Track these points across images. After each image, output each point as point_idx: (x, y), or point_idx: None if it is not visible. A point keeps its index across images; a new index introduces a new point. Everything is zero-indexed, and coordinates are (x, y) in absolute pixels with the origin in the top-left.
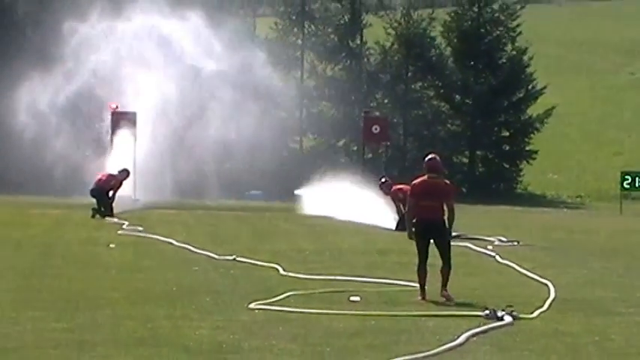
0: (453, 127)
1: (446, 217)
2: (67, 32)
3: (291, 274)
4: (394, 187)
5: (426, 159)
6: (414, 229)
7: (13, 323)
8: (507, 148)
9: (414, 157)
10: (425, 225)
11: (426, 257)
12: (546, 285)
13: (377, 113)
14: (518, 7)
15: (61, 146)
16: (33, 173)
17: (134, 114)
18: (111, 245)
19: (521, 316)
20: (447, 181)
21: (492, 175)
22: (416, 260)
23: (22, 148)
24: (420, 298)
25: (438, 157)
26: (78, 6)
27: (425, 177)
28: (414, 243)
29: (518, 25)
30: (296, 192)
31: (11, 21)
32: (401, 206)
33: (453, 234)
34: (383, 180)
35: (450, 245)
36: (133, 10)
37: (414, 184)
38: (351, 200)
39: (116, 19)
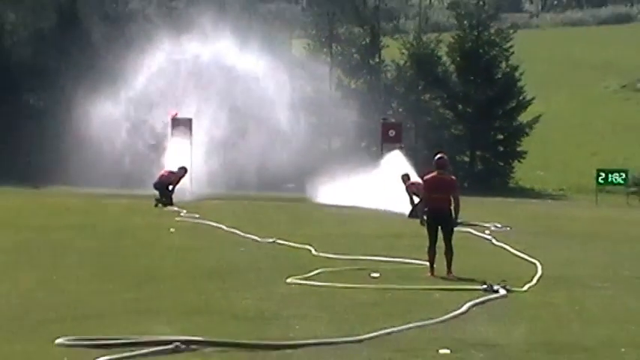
0: (456, 131)
1: (452, 208)
2: (136, 53)
3: (321, 254)
4: (409, 182)
5: (436, 157)
6: (425, 217)
7: (92, 294)
8: (502, 149)
9: (424, 156)
10: (435, 213)
11: (435, 240)
12: (534, 264)
13: (392, 120)
14: (511, 31)
15: (129, 147)
16: (106, 169)
17: (190, 120)
18: (171, 229)
19: (514, 289)
20: (453, 177)
21: (489, 171)
22: (426, 243)
23: (99, 149)
24: (429, 274)
25: (445, 156)
26: (145, 31)
27: (435, 173)
28: (424, 228)
29: (510, 47)
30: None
31: (88, 42)
32: (413, 197)
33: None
34: (404, 174)
35: (452, 232)
36: (192, 35)
37: (426, 179)
38: (370, 192)
39: (176, 42)
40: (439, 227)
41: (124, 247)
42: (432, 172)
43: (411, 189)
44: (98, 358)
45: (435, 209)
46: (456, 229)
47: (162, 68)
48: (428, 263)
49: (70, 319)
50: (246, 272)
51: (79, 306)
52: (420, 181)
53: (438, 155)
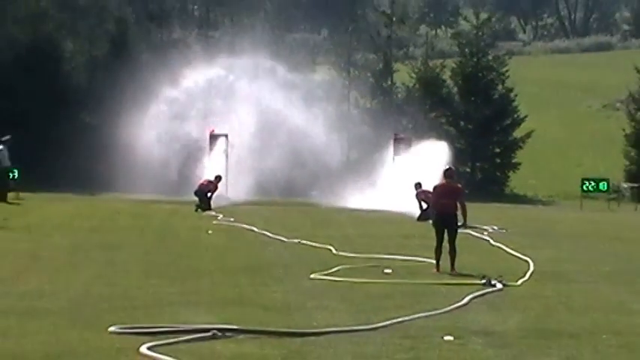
0: (459, 145)
1: (459, 212)
2: (177, 75)
3: (341, 252)
4: (420, 190)
5: (445, 168)
6: (434, 219)
7: (139, 288)
8: (498, 160)
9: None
10: (442, 217)
11: (442, 240)
12: (527, 261)
13: (402, 135)
14: (506, 57)
15: (172, 158)
16: (152, 178)
17: (226, 135)
18: (209, 231)
19: (509, 283)
20: (459, 185)
21: (488, 180)
22: (433, 243)
23: (146, 160)
24: (435, 270)
25: (453, 167)
26: (185, 56)
27: (444, 181)
28: (433, 229)
29: (506, 71)
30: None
31: (136, 67)
32: (422, 204)
33: (459, 224)
34: (417, 182)
35: (457, 233)
36: (227, 59)
37: (436, 186)
38: (384, 198)
39: (213, 65)
40: (446, 229)
41: (168, 247)
42: (441, 181)
43: (421, 196)
44: (145, 343)
45: (442, 213)
46: (459, 230)
47: (201, 88)
48: (435, 260)
49: (121, 309)
50: (274, 269)
51: (129, 298)
52: (429, 189)
53: (447, 166)
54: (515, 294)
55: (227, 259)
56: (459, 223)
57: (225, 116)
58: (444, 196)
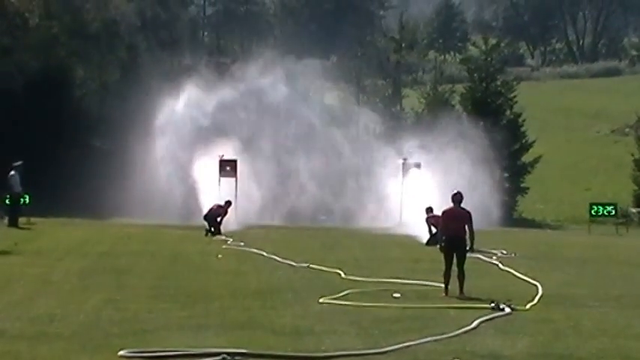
0: (468, 169)
1: (467, 236)
2: (186, 102)
3: (349, 277)
4: (430, 214)
5: (453, 193)
6: (443, 244)
7: (149, 312)
8: (507, 185)
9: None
10: (451, 241)
11: (451, 264)
12: (536, 285)
13: (411, 160)
14: (515, 83)
15: (181, 184)
16: (162, 203)
17: (235, 161)
18: (219, 256)
19: (518, 307)
20: (468, 210)
21: (497, 205)
22: (442, 267)
23: (156, 185)
24: (444, 294)
25: (460, 192)
26: (196, 83)
27: (452, 206)
28: (441, 254)
29: (514, 96)
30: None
31: (146, 93)
32: (432, 228)
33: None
34: (428, 207)
35: (465, 257)
36: (238, 85)
37: (445, 211)
38: (393, 220)
39: (222, 92)
40: (454, 253)
41: (178, 271)
42: (450, 205)
43: (431, 221)
44: None
45: (451, 237)
46: (467, 255)
47: (210, 115)
48: (443, 285)
49: (131, 333)
50: (283, 293)
51: (139, 322)
52: (439, 214)
53: (455, 191)
54: (523, 318)
55: (237, 283)
56: (467, 247)
57: (233, 141)
58: (453, 221)
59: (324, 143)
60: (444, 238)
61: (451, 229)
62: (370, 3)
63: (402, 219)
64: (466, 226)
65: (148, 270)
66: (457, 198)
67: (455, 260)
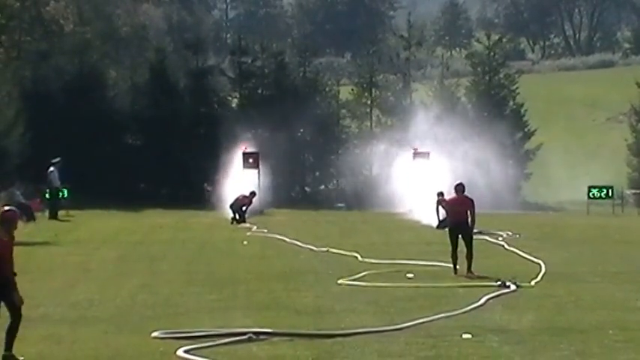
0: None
1: (469, 220)
2: (211, 99)
3: (366, 259)
4: (440, 198)
5: (456, 184)
6: (448, 227)
7: (181, 295)
8: (512, 171)
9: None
10: (456, 226)
11: (456, 247)
12: (539, 263)
13: (421, 150)
14: (517, 76)
15: (209, 175)
16: (191, 194)
17: (257, 153)
18: (244, 242)
19: (523, 284)
20: (470, 198)
21: (502, 189)
22: (450, 249)
23: (185, 177)
24: (454, 274)
25: (463, 183)
26: (219, 81)
27: (455, 195)
28: (448, 236)
29: (516, 88)
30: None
31: (174, 92)
32: (442, 211)
33: (475, 230)
34: (439, 191)
35: (472, 239)
36: (256, 82)
37: (450, 200)
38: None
39: (243, 88)
40: (459, 236)
41: (207, 257)
42: (453, 195)
43: (442, 204)
44: (186, 347)
45: (456, 222)
46: (474, 236)
47: (233, 110)
48: (452, 265)
49: (164, 316)
50: (305, 275)
51: (171, 305)
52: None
53: (458, 182)
54: (528, 294)
55: (261, 267)
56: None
57: (259, 135)
58: (457, 208)
59: (339, 135)
60: (450, 223)
61: (456, 216)
62: (381, 4)
63: (413, 206)
64: (469, 212)
65: (179, 257)
66: (460, 188)
67: (463, 242)
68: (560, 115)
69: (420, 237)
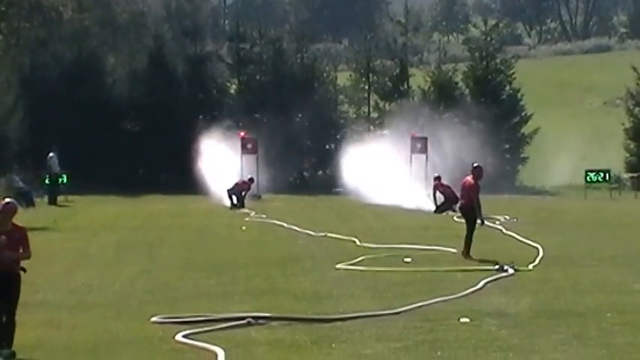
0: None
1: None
2: (210, 84)
3: (364, 244)
4: (436, 183)
5: (473, 166)
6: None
7: (179, 281)
8: (508, 156)
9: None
10: (460, 209)
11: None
12: (537, 247)
13: (419, 135)
14: (513, 60)
15: (207, 160)
16: (189, 180)
17: (255, 140)
18: (243, 228)
19: (520, 268)
20: (474, 183)
21: (499, 174)
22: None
23: (183, 163)
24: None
25: (479, 165)
26: (217, 67)
27: (466, 177)
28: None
29: (513, 73)
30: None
31: (172, 78)
32: (438, 195)
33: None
34: (436, 175)
35: (473, 225)
36: (256, 68)
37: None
38: (402, 192)
39: (241, 74)
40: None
41: (205, 243)
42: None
43: (438, 188)
44: (185, 331)
45: (460, 206)
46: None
47: (231, 96)
48: (453, 249)
49: (163, 301)
50: (303, 260)
51: (170, 290)
52: (447, 183)
53: (475, 164)
54: (526, 278)
55: (260, 252)
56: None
57: (256, 121)
58: (461, 191)
59: (337, 120)
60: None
61: (461, 199)
62: None
63: (411, 190)
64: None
65: (178, 242)
66: (473, 171)
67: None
68: (556, 99)
69: (418, 221)
